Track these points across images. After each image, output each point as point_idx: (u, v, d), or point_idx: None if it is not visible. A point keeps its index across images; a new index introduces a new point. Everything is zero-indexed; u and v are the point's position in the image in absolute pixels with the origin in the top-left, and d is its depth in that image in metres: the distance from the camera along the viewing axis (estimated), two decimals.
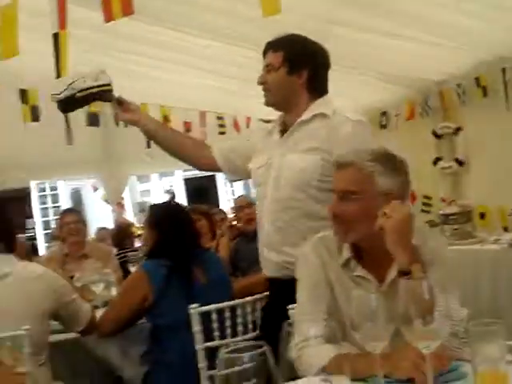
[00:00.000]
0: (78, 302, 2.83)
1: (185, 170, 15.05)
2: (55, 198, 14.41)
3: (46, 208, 14.02)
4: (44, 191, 14.59)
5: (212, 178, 17.61)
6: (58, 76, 3.01)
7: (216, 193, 17.59)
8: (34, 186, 14.22)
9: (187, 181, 17.15)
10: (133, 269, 4.46)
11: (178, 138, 2.68)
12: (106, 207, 9.88)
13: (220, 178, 17.64)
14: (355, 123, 2.27)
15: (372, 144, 2.11)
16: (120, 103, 2.55)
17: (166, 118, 6.56)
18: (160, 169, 12.24)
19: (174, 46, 5.01)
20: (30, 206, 13.12)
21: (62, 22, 2.99)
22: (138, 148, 7.13)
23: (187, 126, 7.02)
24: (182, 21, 4.46)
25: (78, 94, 2.38)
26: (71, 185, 14.77)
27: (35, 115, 5.21)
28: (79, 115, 5.69)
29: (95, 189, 10.34)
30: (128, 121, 2.60)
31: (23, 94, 5.13)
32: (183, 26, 4.57)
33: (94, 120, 5.88)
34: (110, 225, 8.32)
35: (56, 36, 3.06)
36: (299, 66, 2.33)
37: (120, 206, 9.05)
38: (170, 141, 2.62)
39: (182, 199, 16.72)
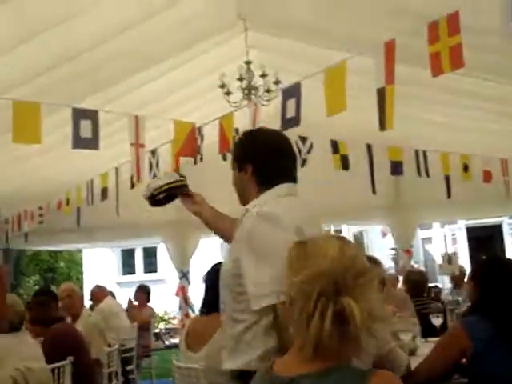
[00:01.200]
0: (396, 351, 2.87)
1: (468, 219, 14.44)
2: None
3: None
4: None
5: (497, 228, 16.60)
6: (383, 128, 3.14)
7: (502, 242, 16.53)
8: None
9: (470, 229, 16.44)
10: (435, 320, 4.40)
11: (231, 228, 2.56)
12: (388, 252, 9.94)
13: (506, 227, 16.55)
14: (257, 218, 2.16)
15: (273, 237, 2.06)
16: (188, 196, 2.73)
17: (465, 167, 6.42)
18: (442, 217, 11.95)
19: (483, 95, 4.90)
20: None
21: (389, 77, 3.13)
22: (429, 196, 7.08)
23: (486, 176, 6.76)
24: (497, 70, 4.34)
25: (154, 192, 2.72)
26: (355, 228, 15.28)
27: (345, 164, 5.50)
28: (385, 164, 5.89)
29: (384, 235, 10.47)
30: (193, 212, 2.76)
31: (334, 145, 5.46)
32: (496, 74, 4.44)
33: (397, 169, 5.99)
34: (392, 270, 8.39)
35: (381, 91, 3.21)
36: (243, 162, 2.39)
37: (408, 252, 9.03)
38: (224, 231, 2.66)
39: (463, 248, 16.02)
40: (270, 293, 1.94)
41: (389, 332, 3.00)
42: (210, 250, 13.08)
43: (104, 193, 6.24)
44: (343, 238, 1.58)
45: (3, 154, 5.18)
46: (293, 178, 2.39)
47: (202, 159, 5.19)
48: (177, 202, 2.76)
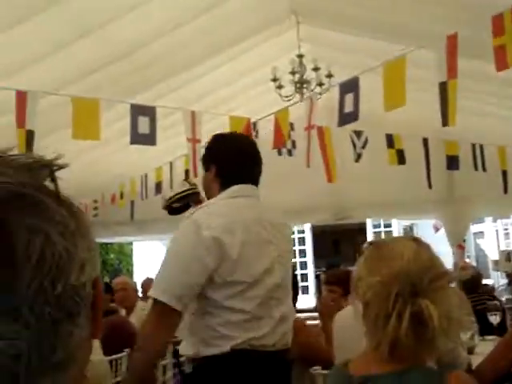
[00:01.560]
0: (459, 349, 2.81)
1: None
2: (389, 235, 14.86)
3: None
4: (378, 227, 15.26)
5: None
6: (445, 124, 3.08)
7: None
8: (369, 222, 14.94)
9: None
10: (493, 318, 4.31)
11: None
12: (444, 247, 9.75)
13: None
14: (184, 222, 2.30)
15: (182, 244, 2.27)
16: (200, 203, 2.73)
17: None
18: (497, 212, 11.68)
19: None
20: (365, 241, 13.72)
21: (452, 71, 3.06)
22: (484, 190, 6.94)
23: None
24: None
25: (168, 202, 2.91)
26: (405, 222, 15.09)
27: (401, 158, 5.42)
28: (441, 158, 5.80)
29: (436, 229, 10.29)
30: None
31: (389, 139, 5.39)
32: None
33: (453, 163, 5.87)
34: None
35: (443, 85, 3.14)
36: (209, 163, 2.52)
37: (460, 247, 8.85)
38: None
39: None
40: (163, 292, 2.20)
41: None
42: None
43: (158, 186, 6.32)
44: (418, 240, 1.57)
45: (60, 148, 5.29)
46: (253, 180, 2.50)
47: None
48: None
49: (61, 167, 0.65)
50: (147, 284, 7.92)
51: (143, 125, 3.85)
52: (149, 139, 3.89)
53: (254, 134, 4.66)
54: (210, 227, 2.22)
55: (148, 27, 4.53)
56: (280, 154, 5.07)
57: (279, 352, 2.39)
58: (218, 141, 2.65)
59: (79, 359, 0.64)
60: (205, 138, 4.91)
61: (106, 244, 17.43)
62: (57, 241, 0.58)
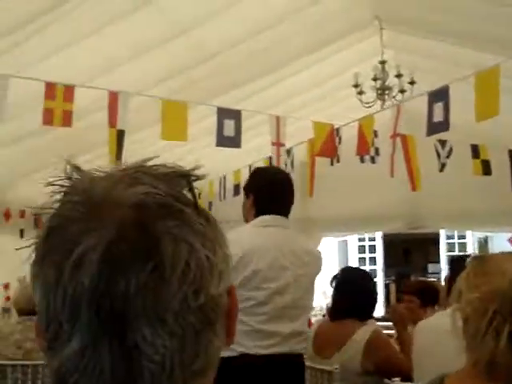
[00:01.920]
0: None
1: None
2: (462, 246, 14.45)
3: (453, 256, 14.05)
4: (452, 238, 14.84)
5: None
6: None
7: None
8: (443, 232, 14.55)
9: None
10: None
11: None
12: None
13: None
14: None
15: None
16: None
17: None
18: None
19: None
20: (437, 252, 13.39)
21: None
22: None
23: None
24: None
25: None
26: (479, 234, 14.62)
27: (486, 169, 5.29)
28: None
29: None
30: None
31: (475, 149, 5.26)
32: None
33: None
34: None
35: None
36: (248, 192, 2.97)
37: None
38: None
39: None
40: None
41: None
42: (327, 249, 12.99)
43: (236, 188, 6.40)
44: None
45: (142, 147, 5.44)
46: (284, 211, 2.91)
47: (338, 160, 5.19)
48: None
49: (198, 178, 0.67)
50: None
51: (229, 128, 3.92)
52: (234, 142, 3.96)
53: (337, 140, 4.67)
54: (235, 248, 2.47)
55: (231, 32, 4.60)
56: (363, 161, 5.05)
57: (289, 355, 2.72)
58: (257, 173, 3.18)
59: (215, 366, 0.66)
60: (289, 142, 4.99)
61: None
62: (199, 250, 0.60)
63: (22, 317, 3.70)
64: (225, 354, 2.19)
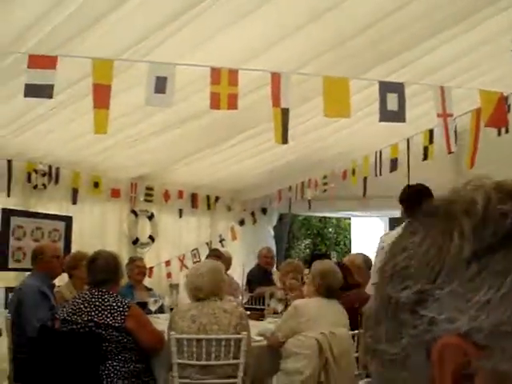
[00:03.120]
0: None
1: None
2: None
3: None
4: None
5: None
6: None
7: None
8: None
9: None
10: None
11: None
12: None
13: None
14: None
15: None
16: None
17: None
18: None
19: None
20: None
21: None
22: None
23: None
24: None
25: None
26: None
27: None
28: None
29: None
30: None
31: None
32: None
33: None
34: None
35: None
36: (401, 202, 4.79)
37: None
38: None
39: None
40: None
41: None
42: None
43: (393, 163, 6.25)
44: None
45: (297, 123, 5.45)
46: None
47: (507, 131, 4.86)
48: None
49: None
50: None
51: (392, 101, 3.80)
52: (398, 116, 3.83)
53: (506, 108, 4.36)
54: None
55: (378, 5, 4.45)
56: None
57: None
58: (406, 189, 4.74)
59: None
60: (456, 112, 4.75)
61: (325, 218, 17.77)
62: None
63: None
64: None
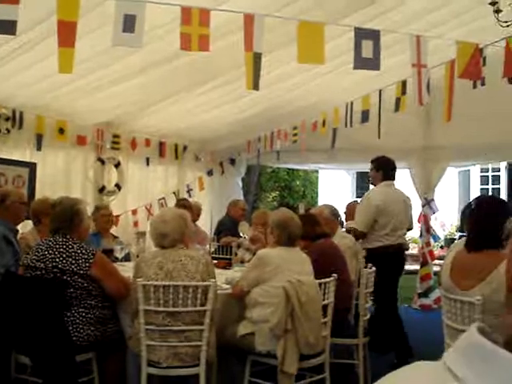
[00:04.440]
0: None
1: None
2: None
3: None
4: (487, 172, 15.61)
5: None
6: None
7: None
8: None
9: None
10: None
11: None
12: None
13: None
14: (364, 196, 6.18)
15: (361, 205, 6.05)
16: None
17: None
18: None
19: None
20: None
21: None
22: None
23: None
24: None
25: None
26: None
27: None
28: None
29: None
30: None
31: None
32: None
33: None
34: None
35: None
36: (378, 168, 5.86)
37: None
38: None
39: None
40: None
41: None
42: (448, 180, 12.60)
43: (365, 114, 6.21)
44: None
45: (269, 70, 5.34)
46: (393, 178, 5.87)
47: (483, 84, 4.83)
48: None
49: None
50: (351, 207, 7.71)
51: (367, 49, 3.73)
52: (372, 64, 3.77)
53: (481, 60, 4.31)
54: (376, 199, 5.67)
55: None
56: (511, 82, 4.67)
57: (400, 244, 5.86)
58: (382, 159, 5.84)
59: None
60: (430, 63, 4.71)
61: (293, 170, 17.82)
62: None
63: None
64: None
